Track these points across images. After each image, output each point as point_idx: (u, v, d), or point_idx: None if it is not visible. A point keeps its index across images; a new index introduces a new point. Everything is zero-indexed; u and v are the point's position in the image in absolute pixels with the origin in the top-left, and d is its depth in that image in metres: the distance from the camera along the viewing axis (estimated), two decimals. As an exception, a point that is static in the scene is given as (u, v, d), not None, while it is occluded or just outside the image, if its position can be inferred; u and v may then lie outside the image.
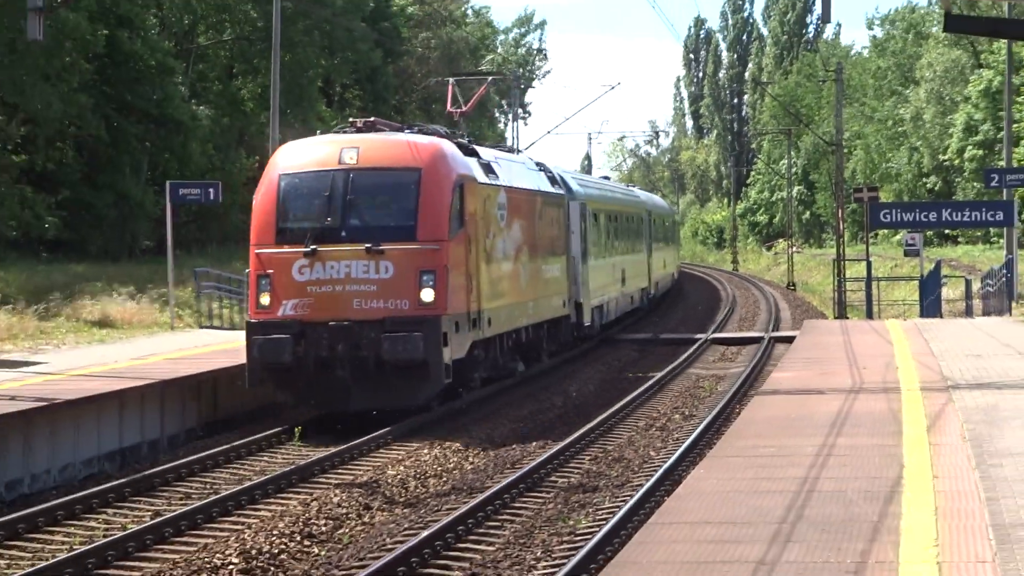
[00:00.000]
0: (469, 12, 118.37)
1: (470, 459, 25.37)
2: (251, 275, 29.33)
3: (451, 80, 43.89)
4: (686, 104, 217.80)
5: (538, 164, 41.80)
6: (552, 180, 41.59)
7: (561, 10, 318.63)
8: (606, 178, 72.36)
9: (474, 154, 32.76)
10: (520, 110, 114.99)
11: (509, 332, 34.59)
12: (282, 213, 29.20)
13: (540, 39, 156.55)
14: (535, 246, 37.18)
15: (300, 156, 29.95)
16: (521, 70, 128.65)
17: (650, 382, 35.92)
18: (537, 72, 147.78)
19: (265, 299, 28.62)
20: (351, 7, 78.96)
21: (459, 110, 42.22)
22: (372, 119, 31.64)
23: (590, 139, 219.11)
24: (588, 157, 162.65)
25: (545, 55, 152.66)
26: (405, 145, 29.86)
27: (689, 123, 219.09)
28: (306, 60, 74.28)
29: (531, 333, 37.23)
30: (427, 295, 28.20)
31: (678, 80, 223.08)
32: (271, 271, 28.73)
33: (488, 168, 32.98)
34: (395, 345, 27.63)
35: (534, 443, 26.95)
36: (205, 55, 77.27)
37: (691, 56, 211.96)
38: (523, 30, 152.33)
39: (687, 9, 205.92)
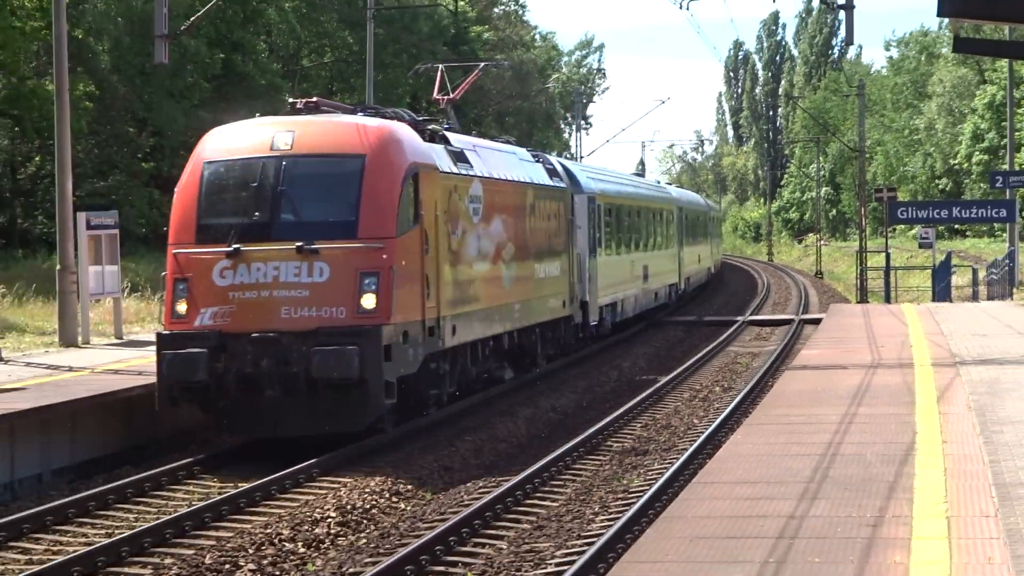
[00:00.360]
0: (537, 37, 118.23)
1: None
2: (167, 279, 22.39)
3: (440, 66, 35.37)
4: (727, 116, 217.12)
5: (535, 155, 34.11)
6: (551, 172, 33.73)
7: (618, 35, 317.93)
8: (639, 174, 64.52)
9: (443, 141, 25.69)
10: (582, 122, 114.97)
11: (486, 339, 27.25)
12: (204, 207, 22.47)
13: (599, 60, 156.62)
14: (524, 243, 29.84)
15: (228, 141, 23.12)
16: (583, 87, 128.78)
17: (694, 358, 35.79)
18: (597, 89, 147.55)
19: (182, 307, 21.93)
20: (435, 33, 79.18)
21: (446, 96, 33.36)
22: (315, 99, 24.55)
23: (644, 147, 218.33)
24: (642, 163, 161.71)
25: (604, 74, 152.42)
26: (348, 128, 22.87)
27: (730, 133, 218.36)
28: (396, 79, 74.45)
29: (519, 338, 29.82)
30: (368, 301, 21.37)
31: (720, 95, 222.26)
32: (189, 274, 22.01)
33: (459, 157, 25.84)
34: (326, 361, 20.83)
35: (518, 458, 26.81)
36: (308, 75, 77.51)
37: (731, 74, 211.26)
38: (584, 52, 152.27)
39: (727, 33, 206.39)
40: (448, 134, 26.40)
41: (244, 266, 21.67)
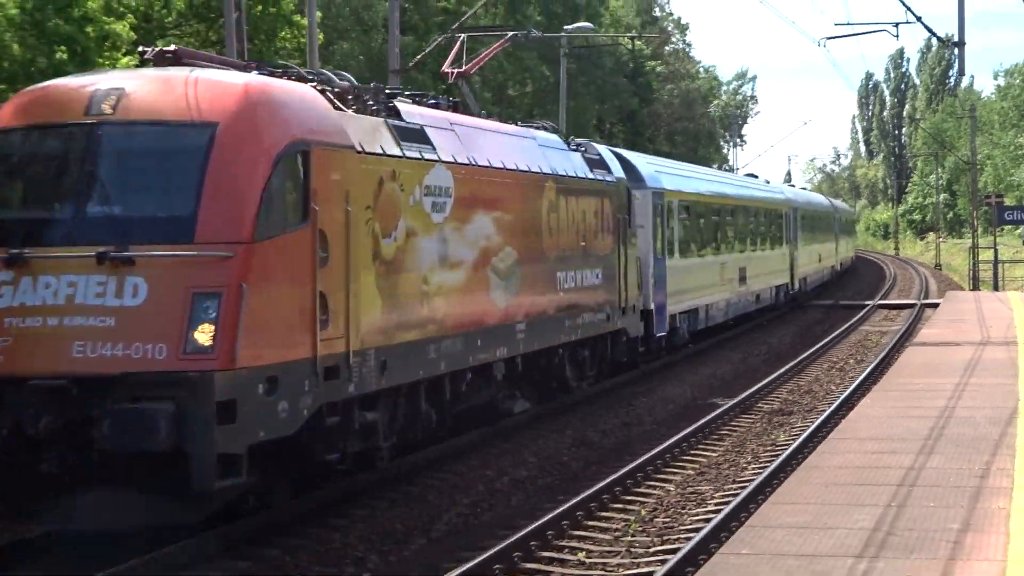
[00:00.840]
0: (701, 70, 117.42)
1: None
2: None
3: (462, 36, 25.38)
4: (860, 134, 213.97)
5: (576, 145, 23.55)
6: (593, 164, 23.31)
7: (768, 67, 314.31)
8: (753, 175, 52.68)
9: (390, 113, 15.93)
10: (738, 139, 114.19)
11: (461, 372, 17.23)
12: None
13: (752, 88, 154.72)
14: (538, 247, 19.86)
15: (35, 103, 13.57)
16: (739, 111, 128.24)
17: (832, 335, 35.36)
18: (750, 112, 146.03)
19: None
20: (616, 68, 79.30)
21: (456, 70, 23.81)
22: (174, 47, 14.35)
23: (789, 160, 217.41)
24: (788, 174, 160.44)
25: (756, 100, 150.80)
26: (198, 86, 13.12)
27: (862, 148, 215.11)
28: (585, 106, 74.61)
29: (530, 363, 19.86)
30: (203, 336, 12.10)
31: (854, 117, 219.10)
32: None
33: (410, 135, 15.90)
34: (118, 426, 11.78)
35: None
36: (512, 102, 77.94)
37: (863, 100, 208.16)
38: (740, 83, 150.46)
39: (859, 65, 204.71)
40: (403, 105, 16.59)
41: (28, 280, 12.42)
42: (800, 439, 18.31)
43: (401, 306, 15.28)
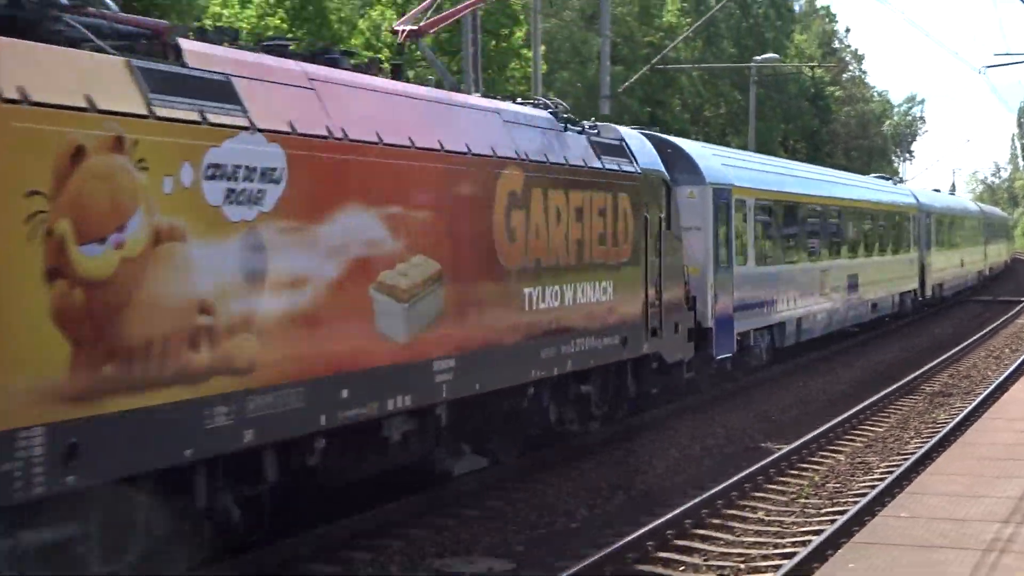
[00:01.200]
0: (875, 94, 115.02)
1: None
2: None
3: None
4: (1019, 150, 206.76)
5: (589, 126, 15.45)
6: (606, 149, 15.27)
7: (935, 90, 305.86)
8: (885, 177, 43.04)
9: (155, 52, 8.56)
10: (908, 155, 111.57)
11: (305, 439, 9.67)
12: None
13: (921, 110, 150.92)
14: (487, 255, 12.25)
15: None
16: (908, 130, 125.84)
17: (989, 327, 34.26)
18: (919, 131, 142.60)
19: None
20: (799, 93, 78.44)
21: (408, 28, 14.35)
22: None
23: (954, 173, 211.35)
24: (953, 186, 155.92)
25: (924, 120, 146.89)
26: None
27: (1020, 163, 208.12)
28: (771, 126, 73.78)
29: (461, 413, 12.17)
30: None
31: (1013, 136, 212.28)
32: None
33: (184, 87, 8.41)
34: None
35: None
36: (709, 122, 77.44)
37: (1021, 120, 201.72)
38: (909, 105, 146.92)
39: (1017, 89, 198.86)
40: (192, 45, 9.11)
41: None
42: (958, 418, 17.82)
43: (135, 350, 8.01)
